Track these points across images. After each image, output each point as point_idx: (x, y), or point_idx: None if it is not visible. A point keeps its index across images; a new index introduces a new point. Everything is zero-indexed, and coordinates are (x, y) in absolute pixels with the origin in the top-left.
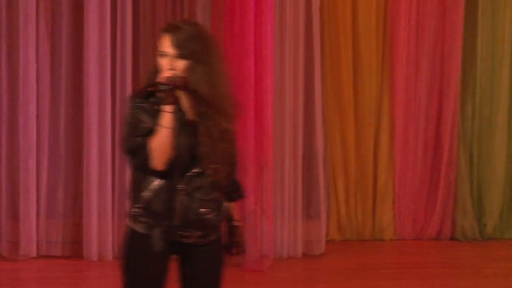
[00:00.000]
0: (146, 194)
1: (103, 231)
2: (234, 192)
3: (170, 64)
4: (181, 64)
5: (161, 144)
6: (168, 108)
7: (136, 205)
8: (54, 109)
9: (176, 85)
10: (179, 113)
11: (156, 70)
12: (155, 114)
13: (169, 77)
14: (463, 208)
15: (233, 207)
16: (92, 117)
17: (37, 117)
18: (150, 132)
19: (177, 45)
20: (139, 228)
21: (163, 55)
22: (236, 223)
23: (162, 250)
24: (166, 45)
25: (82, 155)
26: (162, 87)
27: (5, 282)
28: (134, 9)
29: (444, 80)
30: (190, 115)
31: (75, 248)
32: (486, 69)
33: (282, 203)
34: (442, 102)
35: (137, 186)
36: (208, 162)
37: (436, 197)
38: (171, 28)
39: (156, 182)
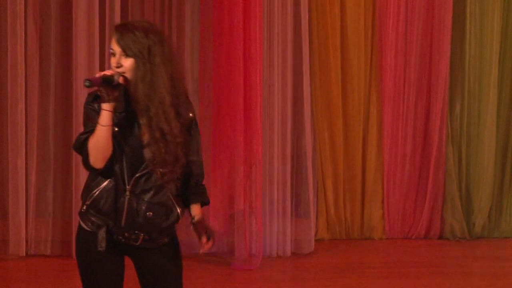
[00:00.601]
0: (95, 192)
1: None
2: (198, 195)
3: (116, 62)
4: (127, 62)
5: (96, 142)
6: (106, 106)
7: (85, 203)
8: (43, 108)
9: (106, 82)
10: (127, 112)
11: None
12: None
13: (103, 75)
14: (452, 207)
15: (195, 206)
16: (81, 116)
17: (26, 116)
18: (89, 132)
19: (122, 44)
20: (87, 226)
21: (112, 53)
22: (196, 219)
23: (108, 250)
24: (113, 43)
25: (71, 155)
26: (85, 83)
27: None
28: (122, 8)
29: (433, 78)
30: (139, 115)
31: (64, 247)
32: (474, 67)
33: (271, 202)
34: (430, 101)
35: (89, 184)
36: (153, 164)
37: (425, 196)
38: (118, 27)
39: (106, 182)
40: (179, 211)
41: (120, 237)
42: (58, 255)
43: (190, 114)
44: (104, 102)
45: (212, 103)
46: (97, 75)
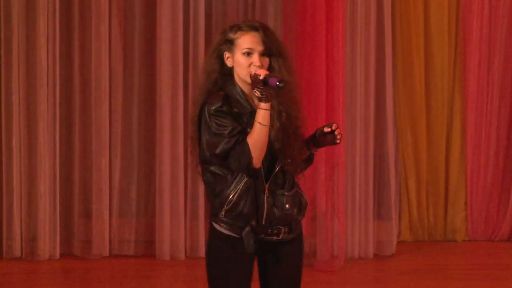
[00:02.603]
0: (232, 196)
1: (176, 231)
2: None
3: (258, 61)
4: (265, 61)
5: (258, 142)
6: (266, 106)
7: (223, 208)
8: (126, 109)
9: (270, 82)
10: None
11: (220, 75)
12: (236, 116)
13: (268, 74)
14: None
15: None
16: (165, 117)
17: (110, 116)
18: (240, 132)
19: (267, 42)
20: (224, 229)
21: (250, 52)
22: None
23: (253, 251)
24: (254, 41)
25: (155, 155)
26: (281, 85)
27: (78, 281)
28: (206, 9)
29: None
30: (273, 112)
31: (147, 247)
32: None
33: (353, 203)
34: None
35: (221, 188)
36: (284, 159)
37: (508, 198)
38: (257, 26)
39: (242, 183)
40: (306, 199)
41: (263, 235)
42: (141, 255)
43: None
44: (264, 102)
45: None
46: (266, 74)
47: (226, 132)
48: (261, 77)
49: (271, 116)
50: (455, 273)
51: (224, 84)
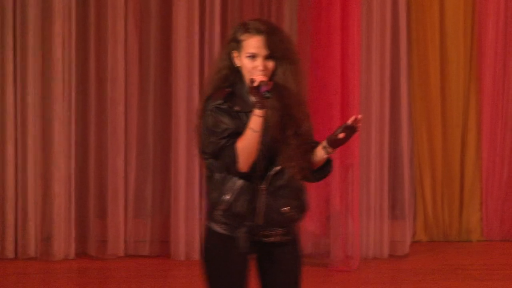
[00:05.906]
0: (228, 195)
1: (191, 231)
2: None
3: (263, 65)
4: (270, 65)
5: (247, 147)
6: (260, 112)
7: (218, 207)
8: (142, 109)
9: (269, 88)
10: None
11: (230, 71)
12: (235, 116)
13: (264, 81)
14: None
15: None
16: (180, 117)
17: (125, 116)
18: (232, 134)
19: (271, 46)
20: (220, 229)
21: (254, 56)
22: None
23: (247, 251)
24: (258, 46)
25: (170, 155)
26: (267, 95)
27: (92, 280)
28: (222, 9)
29: None
30: (270, 114)
31: (162, 247)
32: None
33: (368, 203)
34: None
35: (218, 187)
36: (286, 160)
37: None
38: (262, 30)
39: (238, 183)
40: (306, 201)
41: (259, 236)
42: (156, 255)
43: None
44: (259, 108)
45: (308, 103)
46: (260, 81)
47: (219, 131)
48: (255, 84)
49: (272, 116)
50: (470, 274)
51: (235, 80)
